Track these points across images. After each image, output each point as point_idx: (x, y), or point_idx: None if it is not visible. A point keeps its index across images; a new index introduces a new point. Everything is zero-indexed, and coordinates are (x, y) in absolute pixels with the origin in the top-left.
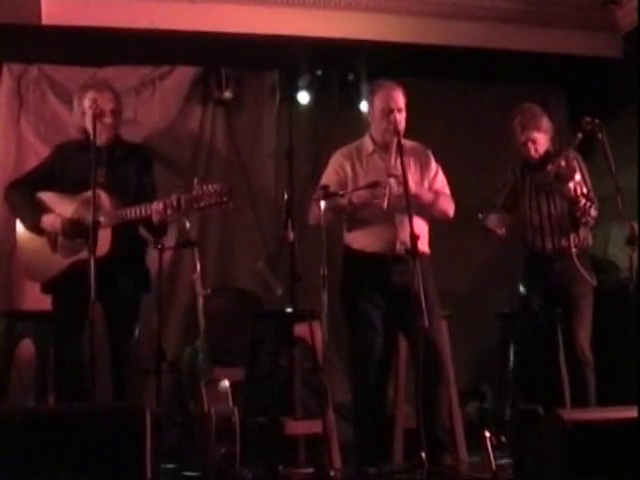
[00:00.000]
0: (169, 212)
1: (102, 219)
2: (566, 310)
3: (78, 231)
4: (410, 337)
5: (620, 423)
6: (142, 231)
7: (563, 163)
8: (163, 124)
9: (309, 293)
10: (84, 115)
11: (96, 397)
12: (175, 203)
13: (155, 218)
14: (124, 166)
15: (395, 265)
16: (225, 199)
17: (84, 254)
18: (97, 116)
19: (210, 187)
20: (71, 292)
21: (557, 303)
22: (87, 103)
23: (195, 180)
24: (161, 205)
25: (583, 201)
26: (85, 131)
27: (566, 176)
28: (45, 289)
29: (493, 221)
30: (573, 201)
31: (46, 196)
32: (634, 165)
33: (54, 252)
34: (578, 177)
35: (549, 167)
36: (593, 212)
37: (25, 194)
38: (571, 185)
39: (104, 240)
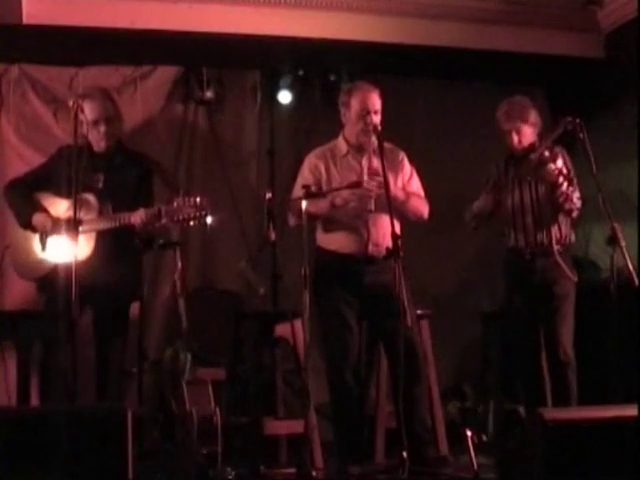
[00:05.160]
0: (152, 222)
1: (86, 223)
2: (548, 310)
3: (66, 231)
4: (383, 336)
5: (602, 423)
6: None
7: (547, 153)
8: (145, 124)
9: (292, 293)
10: (81, 124)
11: (78, 398)
12: (156, 213)
13: (137, 227)
14: (123, 173)
15: (367, 265)
16: (203, 213)
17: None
18: (91, 125)
19: (191, 200)
20: (60, 293)
21: (539, 301)
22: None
23: (181, 191)
24: (142, 215)
25: (565, 184)
26: (86, 138)
27: (547, 161)
28: (38, 288)
29: (480, 202)
30: (554, 185)
31: (43, 196)
32: (615, 165)
33: (44, 251)
34: (560, 163)
35: (532, 156)
36: (576, 199)
37: (22, 193)
38: (551, 166)
39: (88, 243)
